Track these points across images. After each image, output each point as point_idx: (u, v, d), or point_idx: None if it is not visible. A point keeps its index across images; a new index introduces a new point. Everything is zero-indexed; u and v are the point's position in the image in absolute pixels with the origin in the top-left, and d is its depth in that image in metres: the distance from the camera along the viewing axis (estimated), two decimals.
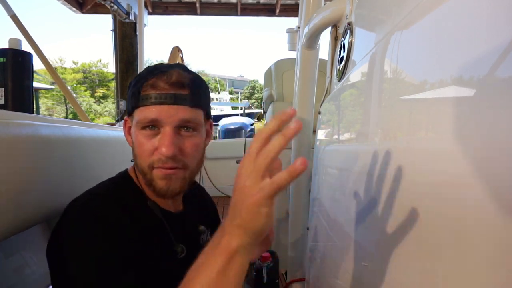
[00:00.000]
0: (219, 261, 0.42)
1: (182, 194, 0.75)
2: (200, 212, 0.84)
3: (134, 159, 0.65)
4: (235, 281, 0.42)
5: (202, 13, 5.06)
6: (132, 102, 0.62)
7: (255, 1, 4.98)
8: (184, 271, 0.67)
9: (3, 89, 1.46)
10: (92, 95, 20.04)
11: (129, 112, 0.64)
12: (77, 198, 0.62)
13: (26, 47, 1.68)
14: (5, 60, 1.46)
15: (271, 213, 0.41)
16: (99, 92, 20.72)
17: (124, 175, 0.70)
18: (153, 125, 0.60)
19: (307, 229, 1.08)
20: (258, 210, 0.40)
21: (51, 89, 14.61)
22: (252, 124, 9.89)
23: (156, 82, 0.60)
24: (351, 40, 0.79)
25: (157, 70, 0.62)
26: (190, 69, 0.67)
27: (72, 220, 0.57)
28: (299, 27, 1.42)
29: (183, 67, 0.65)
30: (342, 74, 0.84)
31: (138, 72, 2.82)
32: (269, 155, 0.40)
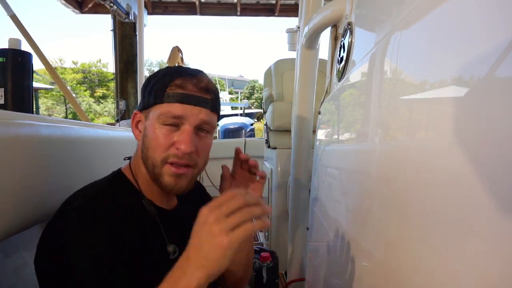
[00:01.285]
0: None
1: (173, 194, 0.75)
2: (196, 209, 0.84)
3: (144, 151, 0.66)
4: None
5: (202, 13, 5.06)
6: (153, 97, 0.65)
7: (254, 1, 4.99)
8: None
9: (2, 89, 1.46)
10: (91, 95, 20.02)
11: (146, 106, 0.67)
12: (70, 200, 0.62)
13: (26, 47, 1.68)
14: (5, 60, 1.46)
15: (233, 254, 0.46)
16: (99, 92, 20.71)
17: (118, 173, 0.71)
18: (174, 123, 0.63)
19: (307, 229, 1.08)
20: (224, 253, 0.45)
21: (51, 89, 14.60)
22: (251, 124, 9.90)
23: (184, 83, 0.64)
24: (351, 40, 0.79)
25: (185, 72, 0.66)
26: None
27: (65, 224, 0.57)
28: (299, 27, 1.42)
29: (206, 74, 0.70)
30: (342, 74, 0.84)
31: (138, 72, 2.84)
32: (238, 201, 0.48)
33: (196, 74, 0.66)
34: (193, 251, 0.49)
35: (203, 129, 0.67)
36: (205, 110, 0.65)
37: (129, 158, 0.74)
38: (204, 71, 0.70)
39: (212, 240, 0.47)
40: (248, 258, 0.82)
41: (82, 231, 0.56)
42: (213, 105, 0.67)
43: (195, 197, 0.86)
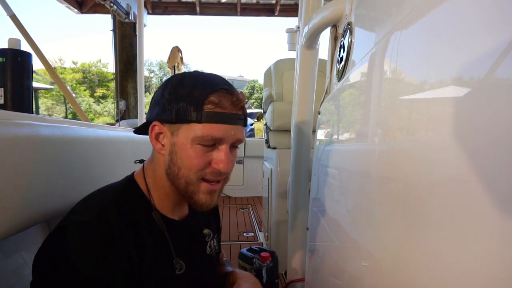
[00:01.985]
0: None
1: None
2: (205, 214, 0.83)
3: (173, 169, 0.63)
4: None
5: (201, 13, 5.06)
6: (184, 114, 0.60)
7: (254, 1, 4.99)
8: (182, 287, 0.67)
9: (2, 89, 1.46)
10: (91, 95, 20.01)
11: (172, 120, 0.61)
12: (77, 209, 0.60)
13: (25, 47, 1.68)
14: (4, 60, 1.46)
15: None
16: (99, 92, 20.71)
17: (130, 180, 0.68)
18: (213, 144, 0.61)
19: (307, 229, 1.08)
20: None
21: (51, 89, 14.59)
22: (251, 124, 9.89)
23: (222, 101, 0.60)
24: (351, 40, 0.79)
25: (218, 86, 0.61)
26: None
27: (69, 239, 0.55)
28: (298, 27, 1.42)
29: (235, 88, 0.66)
30: (341, 74, 0.84)
31: (137, 72, 2.83)
32: None
33: (231, 90, 0.63)
34: None
35: (236, 146, 0.66)
36: (240, 127, 0.63)
37: (140, 161, 0.72)
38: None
39: None
40: None
41: (84, 247, 0.55)
42: (245, 120, 0.66)
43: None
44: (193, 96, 0.60)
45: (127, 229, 0.60)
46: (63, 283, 0.52)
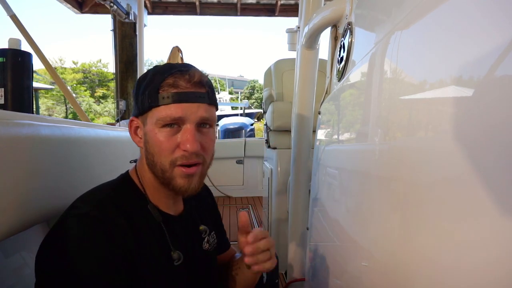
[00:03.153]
0: None
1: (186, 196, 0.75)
2: (201, 211, 0.84)
3: (149, 158, 0.64)
4: None
5: (202, 13, 5.06)
6: (147, 101, 0.62)
7: (255, 1, 4.99)
8: (179, 279, 0.67)
9: (2, 89, 1.46)
10: (92, 95, 20.01)
11: (141, 111, 0.64)
12: (75, 205, 0.61)
13: (25, 47, 1.68)
14: (5, 60, 1.46)
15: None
16: (99, 92, 20.71)
17: (125, 177, 0.70)
18: (174, 123, 0.62)
19: (307, 229, 1.08)
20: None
21: (51, 89, 14.59)
22: (252, 124, 9.89)
23: (176, 81, 0.62)
24: (351, 40, 0.79)
25: (174, 69, 0.63)
26: None
27: (69, 231, 0.57)
28: (299, 27, 1.42)
29: (195, 67, 0.67)
30: (342, 74, 0.84)
31: (138, 72, 2.83)
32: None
33: (187, 69, 0.63)
34: None
35: (205, 124, 0.65)
36: (203, 105, 0.63)
37: (135, 161, 0.73)
38: (204, 71, 0.69)
39: None
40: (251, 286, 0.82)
41: (85, 239, 0.55)
42: (210, 98, 0.65)
43: (199, 199, 0.86)
44: (152, 83, 0.62)
45: (122, 223, 0.60)
46: (66, 276, 0.53)
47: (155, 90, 0.62)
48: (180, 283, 0.67)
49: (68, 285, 0.53)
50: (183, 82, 0.62)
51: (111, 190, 0.65)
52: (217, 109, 0.70)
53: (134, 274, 0.59)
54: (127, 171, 0.72)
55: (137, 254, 0.60)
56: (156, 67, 0.67)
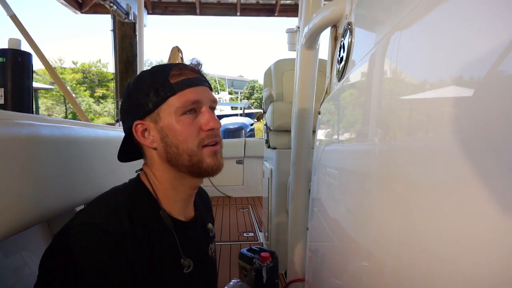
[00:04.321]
0: None
1: (193, 199, 0.75)
2: (206, 212, 0.85)
3: (172, 151, 0.64)
4: None
5: (201, 13, 5.06)
6: (156, 96, 0.63)
7: (254, 1, 4.99)
8: (189, 286, 0.67)
9: (2, 89, 1.46)
10: (91, 95, 20.01)
11: (148, 111, 0.64)
12: (88, 210, 0.61)
13: (25, 47, 1.67)
14: (4, 60, 1.46)
15: None
16: (99, 92, 20.71)
17: (138, 182, 0.69)
18: (192, 109, 0.64)
19: (307, 229, 1.08)
20: None
21: (51, 89, 14.59)
22: (251, 124, 9.90)
23: (181, 71, 0.65)
24: (351, 40, 0.79)
25: (172, 64, 0.67)
26: None
27: (77, 240, 0.55)
28: (298, 27, 1.42)
29: None
30: (342, 74, 0.84)
31: (138, 72, 2.83)
32: None
33: (183, 63, 0.68)
34: None
35: (212, 107, 0.68)
36: (207, 88, 0.68)
37: (141, 169, 0.72)
38: (204, 71, 0.71)
39: None
40: None
41: (91, 251, 0.54)
42: (209, 84, 0.70)
43: (203, 201, 0.86)
44: (157, 79, 0.64)
45: (139, 229, 0.60)
46: (67, 284, 0.52)
47: (165, 81, 0.63)
48: None
49: None
50: (188, 70, 0.66)
51: (125, 196, 0.64)
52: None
53: (144, 280, 0.58)
54: (138, 175, 0.70)
55: (148, 262, 0.59)
56: (146, 70, 0.69)
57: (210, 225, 0.80)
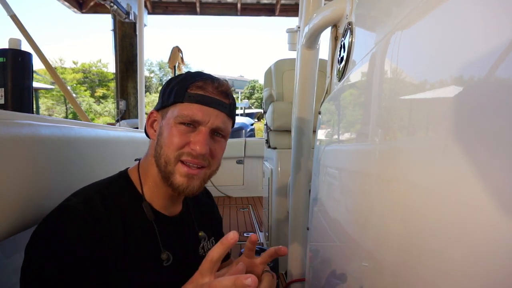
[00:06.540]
0: None
1: (181, 199, 0.75)
2: (202, 217, 0.83)
3: (157, 149, 0.66)
4: None
5: (202, 13, 5.07)
6: (173, 97, 0.65)
7: (255, 1, 4.99)
8: (168, 280, 0.67)
9: (3, 89, 1.46)
10: (92, 95, 20.01)
11: (164, 105, 0.67)
12: (69, 197, 0.62)
13: (26, 47, 1.68)
14: (5, 60, 1.46)
15: None
16: (99, 92, 20.71)
17: (123, 174, 0.71)
18: (191, 124, 0.64)
19: (307, 229, 1.08)
20: None
21: (51, 89, 14.59)
22: (252, 124, 9.90)
23: (205, 85, 0.65)
24: (351, 40, 0.79)
25: (206, 75, 0.67)
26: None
27: (58, 220, 0.57)
28: (299, 27, 1.42)
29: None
30: (342, 74, 0.84)
31: (138, 72, 2.83)
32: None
33: (217, 79, 0.68)
34: None
35: (219, 134, 0.68)
36: (222, 114, 0.66)
37: (139, 159, 0.73)
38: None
39: None
40: None
41: (73, 229, 0.55)
42: (230, 110, 0.69)
43: (202, 206, 0.85)
44: (183, 83, 0.66)
45: (113, 218, 0.60)
46: (41, 266, 0.53)
47: (183, 88, 0.65)
48: (168, 284, 0.66)
49: (41, 276, 0.53)
50: (210, 88, 0.65)
51: (105, 187, 0.66)
52: (233, 125, 0.73)
53: (121, 271, 0.58)
54: (126, 169, 0.72)
55: (124, 253, 0.60)
56: (190, 71, 0.71)
57: (202, 233, 0.79)
